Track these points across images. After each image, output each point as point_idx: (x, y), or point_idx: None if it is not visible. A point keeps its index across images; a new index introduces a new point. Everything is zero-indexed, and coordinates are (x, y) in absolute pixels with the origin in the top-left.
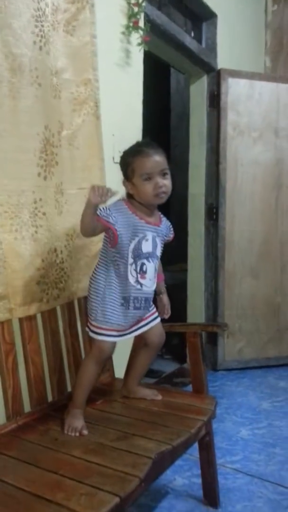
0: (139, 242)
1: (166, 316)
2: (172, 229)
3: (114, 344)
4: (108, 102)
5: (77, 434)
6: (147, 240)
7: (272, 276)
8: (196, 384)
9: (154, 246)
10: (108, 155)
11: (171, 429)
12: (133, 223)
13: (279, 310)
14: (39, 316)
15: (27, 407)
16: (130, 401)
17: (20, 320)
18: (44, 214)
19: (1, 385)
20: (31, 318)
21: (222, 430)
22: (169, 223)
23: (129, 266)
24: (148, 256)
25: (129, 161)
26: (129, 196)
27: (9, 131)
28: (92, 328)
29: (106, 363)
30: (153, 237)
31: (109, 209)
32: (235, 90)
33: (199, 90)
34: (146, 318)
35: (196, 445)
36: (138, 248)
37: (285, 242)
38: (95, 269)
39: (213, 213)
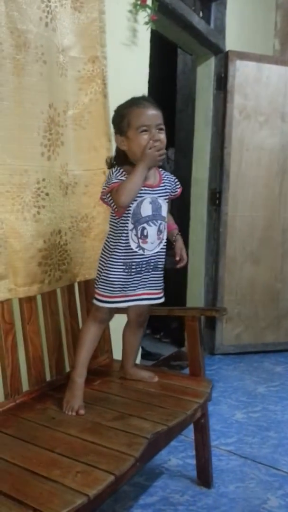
0: (138, 207)
1: (182, 263)
2: (178, 183)
3: (112, 309)
4: (113, 82)
5: (74, 413)
6: (145, 204)
7: (273, 262)
8: (193, 367)
9: (156, 208)
10: (113, 135)
11: (167, 410)
12: None
13: (278, 297)
14: (39, 297)
15: (25, 386)
16: (128, 382)
17: (20, 300)
18: (47, 194)
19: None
20: (31, 299)
21: (218, 413)
22: (173, 177)
23: (129, 232)
24: (149, 219)
25: (124, 113)
26: (118, 156)
27: (12, 109)
28: (95, 295)
29: (105, 344)
30: (152, 199)
31: (120, 174)
32: (243, 73)
33: (206, 72)
34: (149, 294)
35: (191, 426)
36: (137, 213)
37: (287, 228)
38: (104, 241)
39: (216, 198)
